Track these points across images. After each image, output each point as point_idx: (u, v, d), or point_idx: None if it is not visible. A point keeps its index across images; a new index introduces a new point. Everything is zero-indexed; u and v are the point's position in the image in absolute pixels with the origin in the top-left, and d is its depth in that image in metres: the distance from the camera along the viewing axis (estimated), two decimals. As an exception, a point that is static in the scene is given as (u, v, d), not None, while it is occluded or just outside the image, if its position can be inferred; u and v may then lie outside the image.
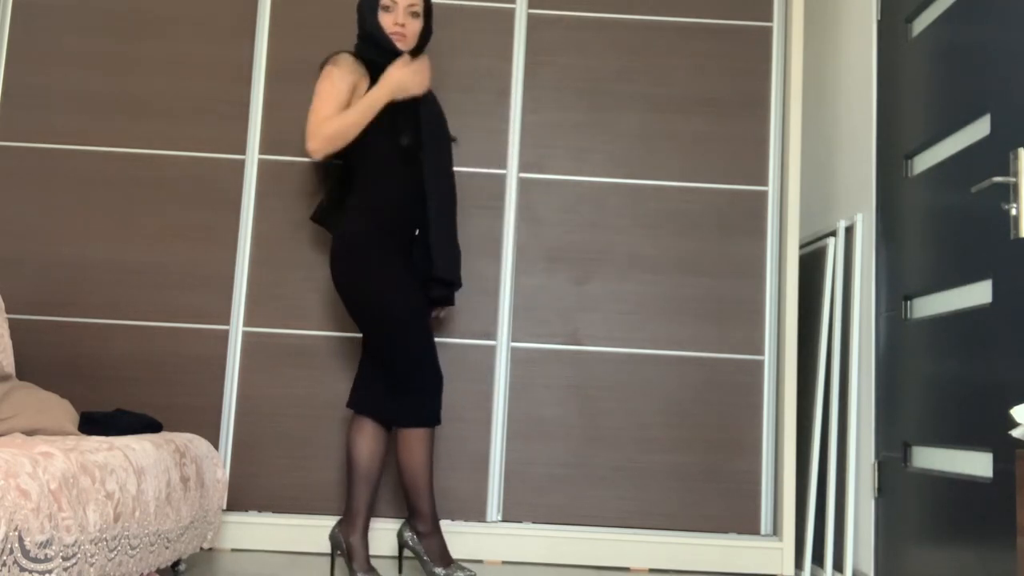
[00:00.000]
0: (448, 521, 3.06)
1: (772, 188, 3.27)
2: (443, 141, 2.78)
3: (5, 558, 1.56)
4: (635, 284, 3.23)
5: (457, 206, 2.83)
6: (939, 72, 2.56)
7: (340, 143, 2.64)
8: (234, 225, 3.22)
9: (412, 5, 2.73)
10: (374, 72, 2.72)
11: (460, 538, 3.04)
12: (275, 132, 3.25)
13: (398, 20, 2.71)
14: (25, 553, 1.61)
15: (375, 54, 2.73)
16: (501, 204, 3.23)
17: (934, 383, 2.48)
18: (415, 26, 2.75)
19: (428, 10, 2.80)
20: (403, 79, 2.66)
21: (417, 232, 2.73)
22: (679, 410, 3.18)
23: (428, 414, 2.65)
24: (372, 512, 2.74)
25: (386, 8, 2.72)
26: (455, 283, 2.77)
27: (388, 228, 2.67)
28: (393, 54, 2.72)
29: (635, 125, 3.29)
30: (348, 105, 2.66)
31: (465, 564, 2.98)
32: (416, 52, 2.76)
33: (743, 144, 3.28)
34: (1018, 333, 2.07)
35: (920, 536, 2.52)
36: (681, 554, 3.08)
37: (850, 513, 2.86)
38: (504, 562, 3.07)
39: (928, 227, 2.57)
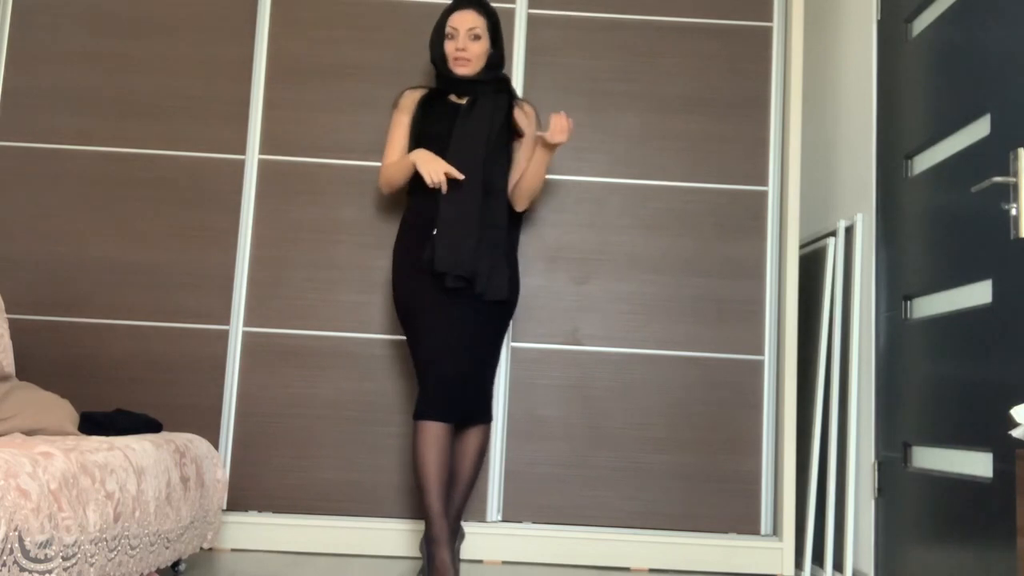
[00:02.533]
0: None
1: (772, 188, 3.27)
2: (474, 146, 2.74)
3: (5, 558, 1.56)
4: (635, 284, 3.23)
5: (490, 202, 2.73)
6: (939, 72, 2.56)
7: (391, 189, 2.87)
8: (234, 225, 3.22)
9: (472, 28, 2.81)
10: (438, 98, 2.86)
11: (460, 538, 3.05)
12: (275, 132, 3.25)
13: (458, 45, 2.81)
14: (25, 553, 1.61)
15: (442, 83, 2.88)
16: (501, 204, 3.23)
17: (934, 383, 2.48)
18: (477, 48, 2.81)
19: (495, 31, 2.87)
20: (421, 166, 2.69)
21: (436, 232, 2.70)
22: (679, 410, 3.18)
23: (420, 407, 2.62)
24: (449, 520, 2.67)
25: (450, 36, 2.84)
26: (455, 272, 2.64)
27: (403, 233, 2.82)
28: (453, 80, 2.84)
29: (635, 125, 3.29)
30: (406, 141, 2.85)
31: (465, 564, 2.99)
32: (489, 74, 2.85)
33: (743, 144, 3.28)
34: (1018, 333, 2.07)
35: (920, 536, 2.52)
36: (681, 554, 3.08)
37: (850, 513, 2.86)
38: (504, 562, 3.07)
39: (928, 227, 2.57)
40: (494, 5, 3.25)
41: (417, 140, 2.82)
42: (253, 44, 3.29)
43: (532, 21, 3.32)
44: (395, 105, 2.91)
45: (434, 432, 2.59)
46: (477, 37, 2.82)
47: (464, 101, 2.84)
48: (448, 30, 2.83)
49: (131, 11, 3.30)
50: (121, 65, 3.28)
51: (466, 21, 2.81)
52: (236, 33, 3.30)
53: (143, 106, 3.26)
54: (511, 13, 3.30)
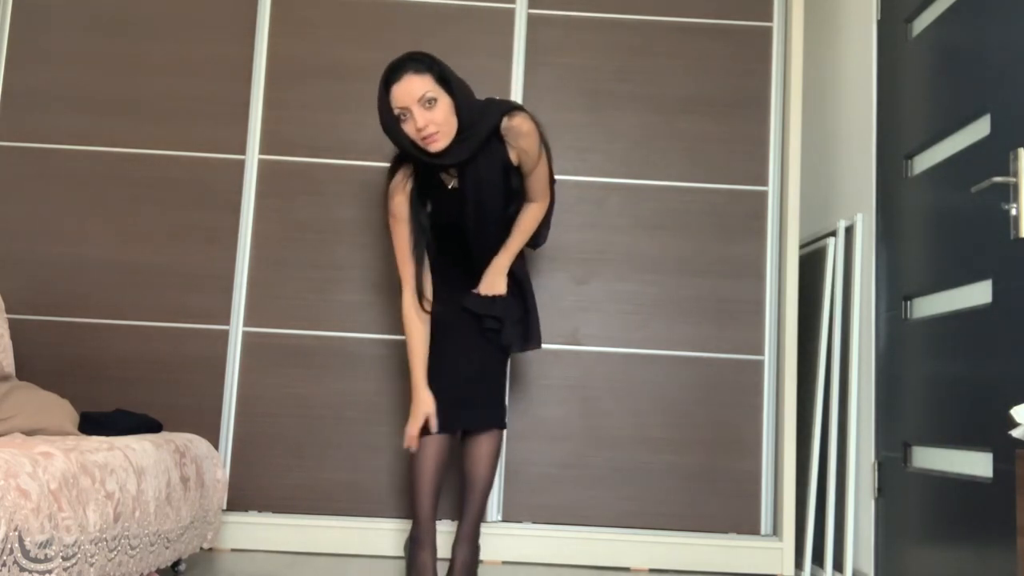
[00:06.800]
0: (448, 521, 3.06)
1: (772, 188, 3.27)
2: (489, 231, 2.63)
3: (5, 558, 1.56)
4: (635, 284, 3.23)
5: (514, 267, 2.69)
6: (939, 72, 2.56)
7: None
8: (234, 225, 3.22)
9: (423, 96, 2.38)
10: (428, 179, 2.58)
11: (460, 538, 3.04)
12: (275, 132, 3.25)
13: (418, 124, 2.38)
14: (25, 553, 1.61)
15: (418, 164, 2.54)
16: (501, 204, 3.22)
17: (934, 383, 2.49)
18: (439, 115, 2.39)
19: (442, 77, 2.41)
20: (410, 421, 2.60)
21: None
22: (679, 410, 3.18)
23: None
24: (466, 525, 2.67)
25: (403, 118, 2.41)
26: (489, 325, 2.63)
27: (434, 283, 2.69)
28: (437, 163, 2.48)
29: (635, 125, 3.29)
30: (408, 241, 2.59)
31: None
32: (469, 143, 2.46)
33: (743, 144, 3.28)
34: (1018, 333, 2.07)
35: (920, 536, 2.52)
36: (681, 554, 3.08)
37: (850, 513, 2.86)
38: (504, 562, 3.07)
39: (928, 227, 2.57)
40: (495, 6, 3.27)
41: (433, 231, 2.63)
42: (253, 44, 3.29)
43: (532, 21, 3.32)
44: (387, 209, 2.60)
45: (432, 442, 2.57)
46: (432, 100, 2.38)
47: (454, 182, 2.57)
48: (397, 112, 2.40)
49: (131, 11, 3.30)
50: (121, 65, 3.28)
51: (411, 91, 2.37)
52: (236, 33, 3.29)
53: (143, 106, 3.26)
54: (511, 13, 3.30)
